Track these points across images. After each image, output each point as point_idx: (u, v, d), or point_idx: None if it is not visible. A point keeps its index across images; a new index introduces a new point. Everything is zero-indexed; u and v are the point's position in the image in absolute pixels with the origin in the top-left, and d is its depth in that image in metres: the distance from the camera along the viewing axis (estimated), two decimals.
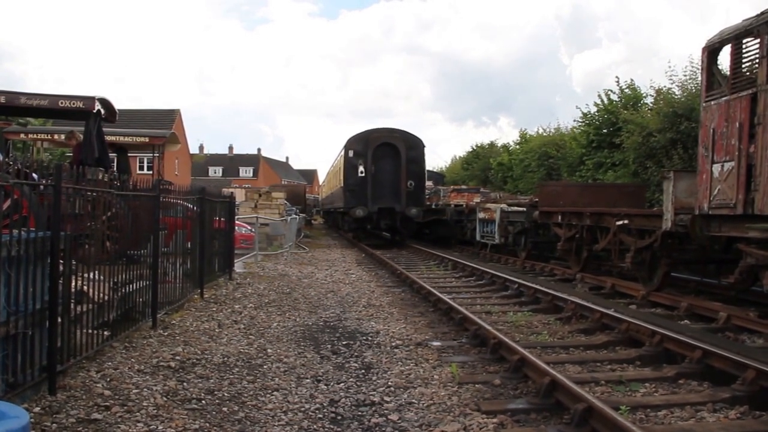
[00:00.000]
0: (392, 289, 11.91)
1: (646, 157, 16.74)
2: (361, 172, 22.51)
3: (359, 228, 24.26)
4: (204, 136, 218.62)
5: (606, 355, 6.69)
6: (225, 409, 4.83)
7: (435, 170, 41.98)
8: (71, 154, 11.43)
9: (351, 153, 23.14)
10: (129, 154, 14.56)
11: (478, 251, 19.55)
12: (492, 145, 39.05)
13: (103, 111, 9.93)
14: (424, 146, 23.71)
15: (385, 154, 22.77)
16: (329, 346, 7.11)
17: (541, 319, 8.71)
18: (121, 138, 13.73)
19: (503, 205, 17.70)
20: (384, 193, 22.50)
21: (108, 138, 11.27)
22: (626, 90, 20.69)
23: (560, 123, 44.81)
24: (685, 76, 16.80)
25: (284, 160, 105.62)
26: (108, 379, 5.17)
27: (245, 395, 5.18)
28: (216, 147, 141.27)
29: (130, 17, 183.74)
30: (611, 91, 21.01)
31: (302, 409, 4.93)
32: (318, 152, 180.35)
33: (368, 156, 22.65)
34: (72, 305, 5.20)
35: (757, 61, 7.51)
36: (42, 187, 4.92)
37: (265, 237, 20.05)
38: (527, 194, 23.47)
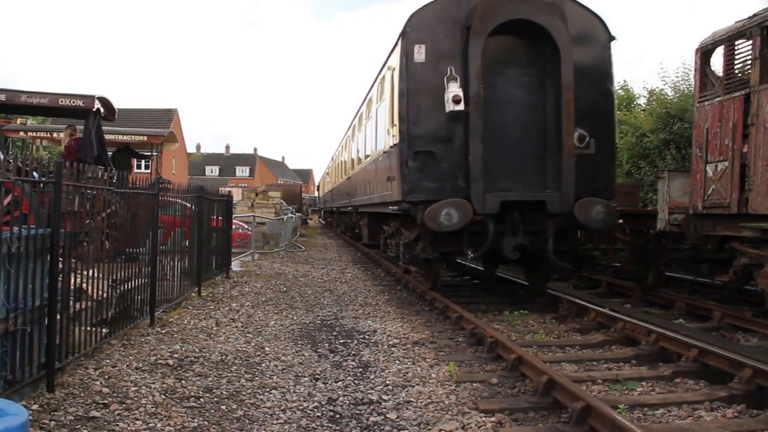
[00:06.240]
0: (388, 288, 11.92)
1: (640, 158, 16.83)
2: (455, 100, 8.62)
3: (444, 255, 9.99)
4: (201, 135, 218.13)
5: (602, 354, 6.72)
6: (223, 407, 4.83)
7: None
8: (64, 151, 11.34)
9: (420, 50, 9.02)
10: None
11: None
12: None
13: (102, 109, 9.97)
14: (610, 38, 9.51)
15: (514, 55, 9.23)
16: (327, 344, 7.13)
17: (537, 318, 8.74)
18: (120, 137, 13.76)
19: None
20: (512, 160, 9.07)
21: (108, 137, 11.29)
22: (619, 91, 20.79)
23: None
24: (677, 77, 16.94)
25: (280, 159, 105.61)
26: (106, 377, 5.17)
27: (243, 393, 5.19)
28: (213, 146, 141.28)
29: (127, 17, 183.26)
30: None
31: (300, 407, 4.94)
32: (313, 152, 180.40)
33: (471, 57, 8.77)
34: (71, 302, 5.20)
35: (750, 62, 7.57)
36: (42, 184, 4.92)
37: (262, 236, 20.06)
38: None
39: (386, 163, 10.64)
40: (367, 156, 14.03)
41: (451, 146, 8.90)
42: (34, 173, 4.92)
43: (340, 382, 5.62)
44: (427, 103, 8.97)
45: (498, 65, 9.07)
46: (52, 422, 4.19)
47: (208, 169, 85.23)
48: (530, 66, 9.17)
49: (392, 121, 9.80)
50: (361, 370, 6.07)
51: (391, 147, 9.98)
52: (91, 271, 5.71)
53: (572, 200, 8.71)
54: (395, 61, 9.73)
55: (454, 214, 8.41)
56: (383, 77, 11.30)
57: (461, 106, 8.59)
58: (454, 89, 8.66)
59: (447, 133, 8.89)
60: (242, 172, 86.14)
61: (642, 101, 19.55)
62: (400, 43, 9.35)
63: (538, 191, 8.93)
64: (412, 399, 5.12)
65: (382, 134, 11.39)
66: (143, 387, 5.03)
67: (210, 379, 5.48)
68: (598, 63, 9.41)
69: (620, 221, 10.77)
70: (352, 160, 17.46)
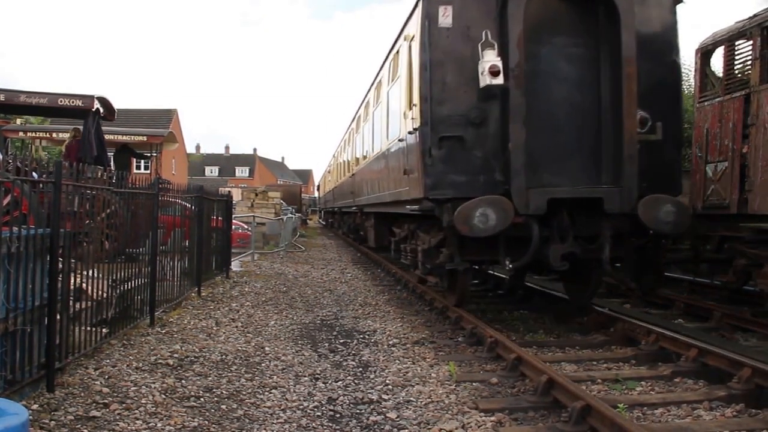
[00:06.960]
0: (388, 288, 11.92)
1: None
2: (492, 72, 6.84)
3: (474, 264, 8.33)
4: (201, 135, 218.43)
5: (602, 353, 6.72)
6: (224, 406, 4.84)
7: None
8: (64, 151, 11.37)
9: (447, 13, 7.23)
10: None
11: None
12: None
13: (101, 109, 9.99)
14: (676, 0, 7.53)
15: (563, 20, 7.44)
16: (327, 344, 7.13)
17: (536, 317, 8.73)
18: (120, 137, 13.80)
19: None
20: (560, 149, 7.37)
21: (107, 137, 11.31)
22: None
23: None
24: None
25: (280, 160, 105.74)
26: (106, 377, 5.18)
27: (243, 393, 5.19)
28: (212, 147, 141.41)
29: (127, 17, 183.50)
30: None
31: (301, 407, 4.95)
32: (313, 153, 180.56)
33: (511, 19, 7.01)
34: (71, 302, 5.21)
35: (750, 62, 7.59)
36: (42, 184, 4.93)
37: (262, 236, 20.08)
38: None
39: (402, 153, 8.77)
40: (375, 148, 11.95)
41: (485, 131, 7.22)
42: (34, 173, 4.93)
43: (340, 382, 5.63)
44: (455, 77, 7.25)
45: (542, 33, 7.34)
46: (52, 422, 4.19)
47: (207, 169, 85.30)
48: (582, 34, 7.42)
49: (410, 102, 8.01)
50: (361, 369, 6.07)
51: (409, 133, 8.11)
52: (91, 271, 5.71)
53: (635, 197, 7.00)
54: (414, 27, 7.90)
55: (492, 215, 6.75)
56: (398, 51, 9.26)
57: (500, 80, 6.86)
58: (491, 58, 6.88)
59: (480, 115, 7.20)
60: (242, 172, 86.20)
61: None
62: (420, 4, 7.53)
63: (592, 187, 7.26)
64: (412, 398, 5.12)
65: (395, 120, 9.43)
66: (143, 387, 5.03)
67: (210, 378, 5.49)
68: (662, 30, 7.55)
69: None
70: (357, 156, 15.55)
